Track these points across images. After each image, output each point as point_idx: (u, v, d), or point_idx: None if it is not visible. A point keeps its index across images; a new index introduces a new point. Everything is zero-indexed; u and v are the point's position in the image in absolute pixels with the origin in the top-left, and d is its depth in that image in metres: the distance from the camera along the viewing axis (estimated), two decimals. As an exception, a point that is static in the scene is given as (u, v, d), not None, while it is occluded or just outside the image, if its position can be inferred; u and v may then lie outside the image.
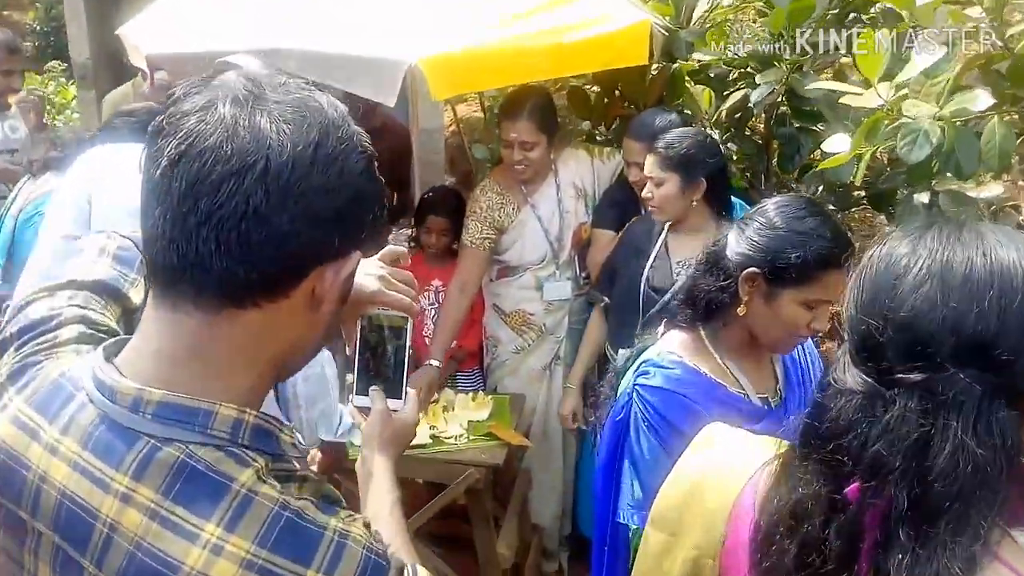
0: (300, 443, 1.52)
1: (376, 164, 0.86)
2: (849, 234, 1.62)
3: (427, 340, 3.32)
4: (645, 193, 2.48)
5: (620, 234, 2.82)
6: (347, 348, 1.29)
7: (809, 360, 1.83)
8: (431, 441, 2.70)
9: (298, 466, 0.87)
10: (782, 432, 1.53)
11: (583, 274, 3.10)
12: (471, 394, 2.99)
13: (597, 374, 2.86)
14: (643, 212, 2.81)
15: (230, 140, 0.76)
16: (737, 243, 1.64)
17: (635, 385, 1.71)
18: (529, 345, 3.12)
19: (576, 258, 3.10)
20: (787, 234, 1.58)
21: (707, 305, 1.68)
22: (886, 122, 2.11)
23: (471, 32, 2.65)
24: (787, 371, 1.79)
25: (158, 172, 0.77)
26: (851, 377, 0.91)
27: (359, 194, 0.83)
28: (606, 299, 2.79)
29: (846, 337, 0.96)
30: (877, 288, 0.92)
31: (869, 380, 0.89)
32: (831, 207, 3.27)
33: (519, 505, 3.06)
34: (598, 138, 3.74)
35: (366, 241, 0.87)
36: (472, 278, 3.04)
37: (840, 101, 2.45)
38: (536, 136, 2.84)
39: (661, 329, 1.82)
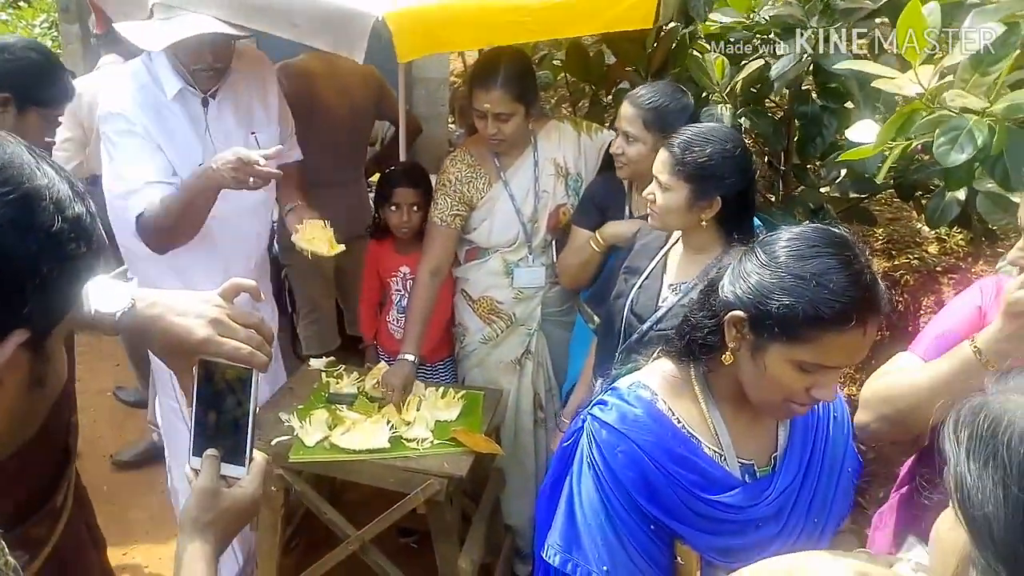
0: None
1: (46, 202, 0.67)
2: (878, 290, 1.25)
3: (390, 328, 3.06)
4: (647, 193, 2.04)
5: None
6: (184, 401, 1.09)
7: (827, 416, 1.50)
8: (389, 445, 2.43)
9: None
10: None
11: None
12: (440, 389, 2.71)
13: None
14: (628, 213, 2.48)
15: None
16: (731, 276, 1.33)
17: (589, 414, 1.47)
18: (497, 336, 2.83)
19: (554, 243, 2.78)
20: (781, 275, 1.25)
21: (693, 343, 1.39)
22: (923, 113, 1.79)
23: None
24: (793, 432, 1.47)
25: None
26: None
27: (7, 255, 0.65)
28: (596, 318, 2.42)
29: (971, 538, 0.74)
30: None
31: None
32: (853, 194, 2.95)
33: (489, 509, 2.81)
34: (603, 102, 3.42)
35: (38, 314, 0.68)
36: (444, 260, 2.74)
37: (872, 85, 2.11)
38: (511, 107, 2.50)
39: (655, 355, 1.53)
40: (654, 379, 1.47)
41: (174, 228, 2.33)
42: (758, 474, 1.43)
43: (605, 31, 2.63)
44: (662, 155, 2.00)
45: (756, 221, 2.18)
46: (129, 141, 2.34)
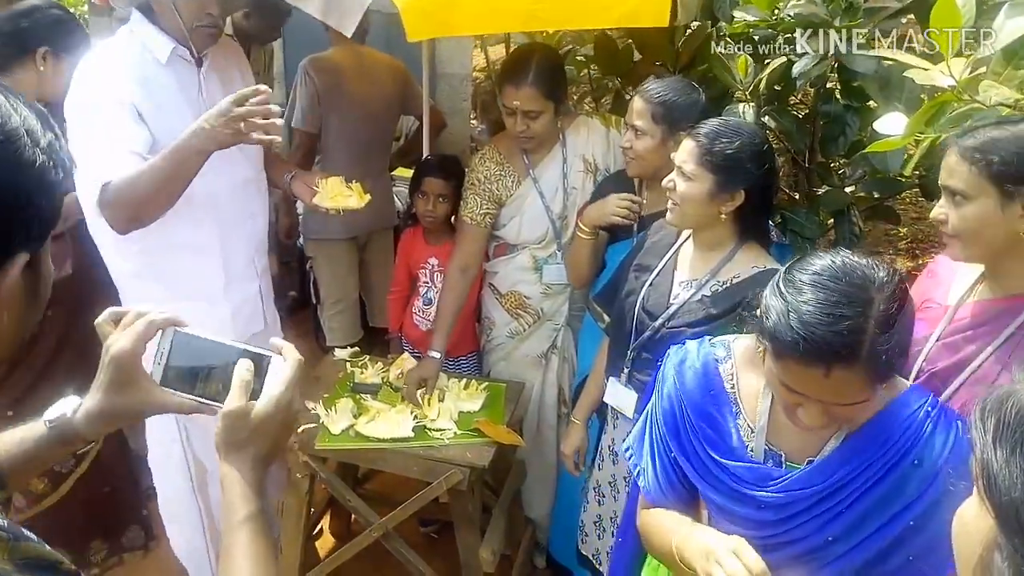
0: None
1: (25, 138, 0.76)
2: (862, 343, 1.21)
3: (415, 318, 3.10)
4: (666, 181, 2.01)
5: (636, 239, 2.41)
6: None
7: (902, 457, 1.35)
8: (413, 434, 2.47)
9: (4, 523, 0.75)
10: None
11: None
12: (463, 381, 2.74)
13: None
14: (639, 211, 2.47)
15: None
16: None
17: (678, 342, 1.70)
18: (524, 330, 2.85)
19: None
20: (780, 288, 1.30)
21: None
22: (955, 105, 1.79)
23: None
24: (845, 449, 1.40)
25: None
26: None
27: (4, 193, 0.74)
28: (606, 317, 2.41)
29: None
30: None
31: None
32: (876, 193, 2.95)
33: (509, 500, 2.84)
34: (627, 97, 3.43)
35: (34, 237, 0.79)
36: (473, 258, 2.77)
37: (904, 75, 2.11)
38: (541, 104, 2.51)
39: None
40: (742, 344, 1.57)
41: (150, 198, 2.08)
42: (784, 466, 1.44)
43: (617, 26, 2.61)
44: (687, 145, 1.98)
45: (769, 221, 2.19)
46: (108, 113, 2.14)
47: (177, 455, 2.55)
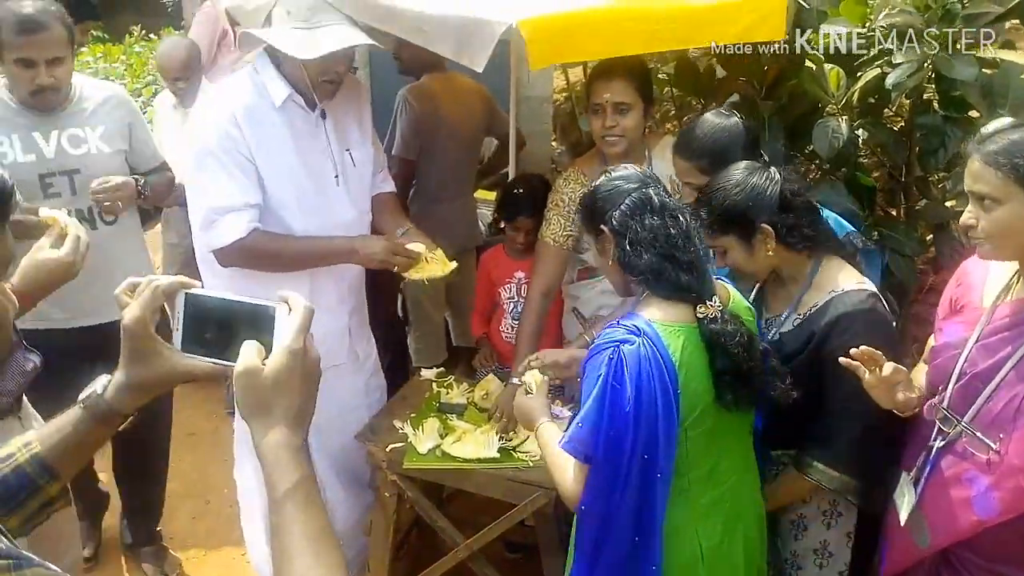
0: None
1: None
2: None
3: (504, 336, 3.10)
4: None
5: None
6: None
7: None
8: (499, 455, 2.46)
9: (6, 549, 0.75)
10: None
11: None
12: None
13: None
14: None
15: None
16: None
17: None
18: None
19: None
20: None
21: None
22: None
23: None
24: None
25: None
26: None
27: None
28: None
29: None
30: None
31: None
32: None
33: (596, 524, 2.79)
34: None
35: None
36: (555, 279, 2.72)
37: (1012, 79, 2.03)
38: (632, 97, 2.46)
39: None
40: None
41: (277, 263, 2.36)
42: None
43: (737, 42, 2.57)
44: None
45: (837, 217, 2.12)
46: (225, 161, 2.27)
47: (257, 464, 2.61)
